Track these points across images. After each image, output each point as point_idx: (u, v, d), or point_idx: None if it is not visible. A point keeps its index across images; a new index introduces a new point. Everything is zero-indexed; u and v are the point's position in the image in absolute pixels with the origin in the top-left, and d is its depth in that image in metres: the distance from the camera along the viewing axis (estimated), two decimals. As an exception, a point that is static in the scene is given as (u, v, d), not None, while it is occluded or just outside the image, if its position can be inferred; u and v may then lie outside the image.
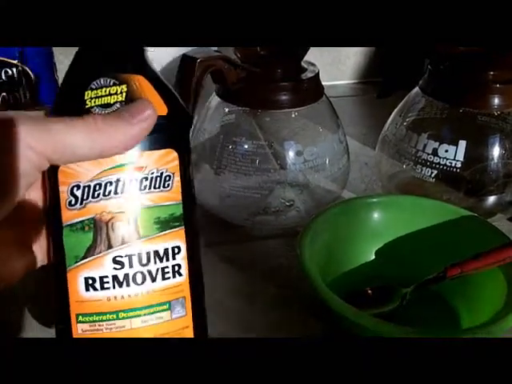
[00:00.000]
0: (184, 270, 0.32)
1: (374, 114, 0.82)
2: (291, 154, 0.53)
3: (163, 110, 0.31)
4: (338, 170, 0.55)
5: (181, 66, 0.45)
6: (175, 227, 0.32)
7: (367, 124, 0.80)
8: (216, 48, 0.50)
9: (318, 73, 0.52)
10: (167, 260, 0.32)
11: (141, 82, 0.30)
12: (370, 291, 0.43)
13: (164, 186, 0.31)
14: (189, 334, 0.33)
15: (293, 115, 0.52)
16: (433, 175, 0.51)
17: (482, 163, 0.51)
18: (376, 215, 0.46)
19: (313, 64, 0.54)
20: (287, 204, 0.55)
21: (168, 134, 0.31)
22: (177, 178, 0.32)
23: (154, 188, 0.31)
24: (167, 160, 0.31)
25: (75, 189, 0.30)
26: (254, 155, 0.52)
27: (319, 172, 0.54)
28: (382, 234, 0.46)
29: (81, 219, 0.31)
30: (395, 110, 0.58)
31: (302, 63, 0.53)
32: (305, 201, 0.56)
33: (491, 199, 0.53)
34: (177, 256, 0.32)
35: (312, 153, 0.53)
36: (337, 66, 0.93)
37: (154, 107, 0.30)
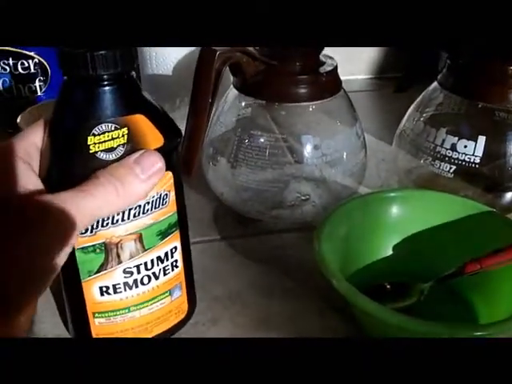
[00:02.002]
0: (180, 263, 0.39)
1: (390, 110, 0.82)
2: (308, 148, 0.52)
3: (160, 141, 0.33)
4: (356, 164, 0.54)
5: (200, 58, 0.45)
6: (172, 232, 0.37)
7: (383, 119, 0.79)
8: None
9: (337, 66, 0.52)
10: (167, 260, 0.38)
11: (139, 121, 0.32)
12: (388, 286, 0.43)
13: (163, 204, 0.35)
14: (184, 307, 0.40)
15: (310, 109, 0.52)
16: (451, 170, 0.51)
17: (501, 159, 0.51)
18: (394, 210, 0.46)
19: (331, 57, 0.53)
20: (303, 198, 0.55)
21: (165, 160, 0.33)
22: (172, 194, 0.36)
23: (155, 208, 0.35)
24: (164, 181, 0.35)
25: None
26: (270, 149, 0.52)
27: (336, 167, 0.54)
28: (400, 229, 0.46)
29: (92, 244, 0.34)
30: (413, 105, 0.58)
31: (321, 57, 0.53)
32: (321, 195, 0.55)
33: (509, 195, 0.52)
34: (174, 254, 0.38)
35: (329, 147, 0.52)
36: (352, 61, 0.93)
37: (162, 159, 0.32)
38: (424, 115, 0.55)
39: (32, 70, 0.65)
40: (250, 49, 0.48)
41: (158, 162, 0.32)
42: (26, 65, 0.64)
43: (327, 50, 0.53)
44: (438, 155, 0.52)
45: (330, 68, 0.51)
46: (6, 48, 0.63)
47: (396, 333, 0.38)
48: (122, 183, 0.31)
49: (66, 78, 0.32)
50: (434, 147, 0.52)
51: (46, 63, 0.65)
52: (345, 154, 0.53)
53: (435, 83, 0.56)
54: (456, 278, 0.42)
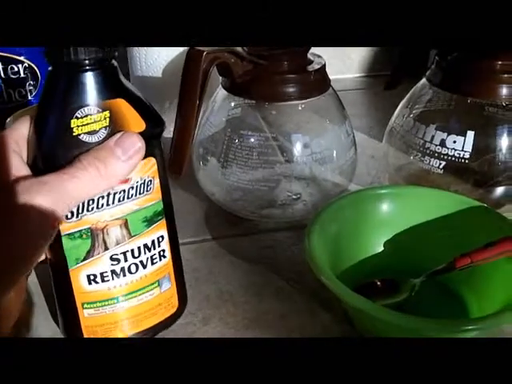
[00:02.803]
0: (167, 253, 0.39)
1: (380, 107, 0.82)
2: (298, 147, 0.52)
3: (142, 126, 0.34)
4: (345, 162, 0.54)
5: (187, 58, 0.45)
6: (158, 221, 0.37)
7: (373, 117, 0.79)
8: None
9: (325, 65, 0.52)
10: (154, 249, 0.38)
11: (121, 105, 0.34)
12: (378, 283, 0.43)
13: (147, 190, 0.36)
14: (174, 300, 0.40)
15: (299, 107, 0.52)
16: (441, 166, 0.51)
17: (490, 154, 0.51)
18: (384, 206, 0.46)
19: (319, 56, 0.53)
20: (294, 197, 0.55)
21: (147, 145, 0.34)
22: (157, 180, 0.36)
23: (140, 194, 0.36)
24: (148, 167, 0.36)
25: None
26: (260, 148, 0.52)
27: (326, 165, 0.54)
28: (391, 225, 0.46)
29: (78, 229, 0.34)
30: (402, 102, 0.58)
31: (309, 55, 0.53)
32: (311, 194, 0.56)
33: (499, 190, 0.52)
34: (161, 243, 0.38)
35: (319, 145, 0.53)
36: (342, 60, 0.93)
37: (141, 139, 0.33)
38: (413, 112, 0.55)
39: (22, 75, 0.64)
40: (238, 48, 0.49)
41: (138, 143, 0.33)
42: (16, 69, 0.64)
43: (316, 49, 0.53)
44: (428, 151, 0.52)
45: (318, 66, 0.51)
46: (-5, 53, 0.62)
47: (386, 329, 0.38)
48: (104, 164, 0.32)
49: (50, 67, 0.33)
50: (424, 143, 0.52)
51: (35, 67, 0.65)
52: (335, 152, 0.54)
53: (424, 80, 0.56)
54: (447, 272, 0.42)
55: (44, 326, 0.43)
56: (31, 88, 0.66)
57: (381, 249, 0.46)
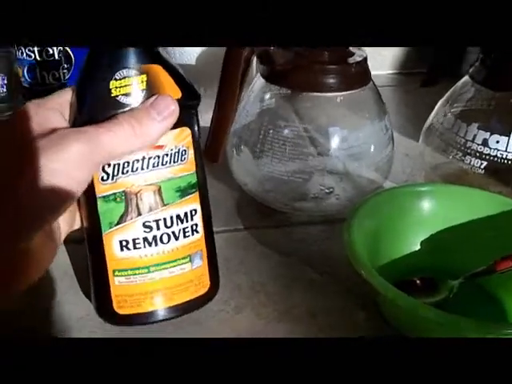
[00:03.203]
0: (200, 228, 0.39)
1: (412, 105, 0.81)
2: (335, 140, 0.51)
3: (177, 94, 0.35)
4: (382, 158, 0.53)
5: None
6: (192, 193, 0.38)
7: (405, 115, 0.78)
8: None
9: (366, 58, 0.51)
10: (187, 221, 0.38)
11: (158, 71, 0.35)
12: (418, 281, 0.42)
13: (181, 160, 0.37)
14: (205, 279, 0.40)
15: (338, 100, 0.51)
16: (482, 166, 0.50)
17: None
18: (424, 204, 0.45)
19: (360, 48, 0.53)
20: (326, 191, 0.54)
21: (182, 114, 0.35)
22: (191, 151, 0.37)
23: (174, 162, 0.36)
24: (183, 137, 0.36)
25: (106, 166, 0.35)
26: (295, 140, 0.51)
27: (362, 160, 0.53)
28: (430, 224, 0.45)
29: (113, 192, 0.35)
30: (442, 99, 0.56)
31: (350, 47, 0.52)
32: (345, 189, 0.55)
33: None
34: (194, 217, 0.38)
35: (356, 140, 0.52)
36: (376, 57, 0.92)
37: (176, 102, 0.34)
38: (453, 110, 0.54)
39: (56, 58, 0.64)
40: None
41: (172, 105, 0.34)
42: (51, 52, 0.64)
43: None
44: (469, 151, 0.51)
45: (359, 59, 0.50)
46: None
47: (424, 327, 0.37)
48: (139, 123, 0.33)
49: None
50: (465, 142, 0.51)
51: (70, 51, 0.65)
52: (372, 147, 0.53)
53: (466, 77, 0.55)
54: (486, 275, 0.41)
55: (76, 305, 0.43)
56: (65, 71, 0.66)
57: (418, 247, 0.45)
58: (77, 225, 0.38)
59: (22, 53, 0.64)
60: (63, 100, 0.34)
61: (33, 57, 0.64)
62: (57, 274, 0.46)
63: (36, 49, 0.64)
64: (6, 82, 0.74)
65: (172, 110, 0.34)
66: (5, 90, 0.74)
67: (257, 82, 0.53)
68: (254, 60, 0.50)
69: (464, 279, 0.41)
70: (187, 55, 0.70)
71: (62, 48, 0.64)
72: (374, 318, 0.42)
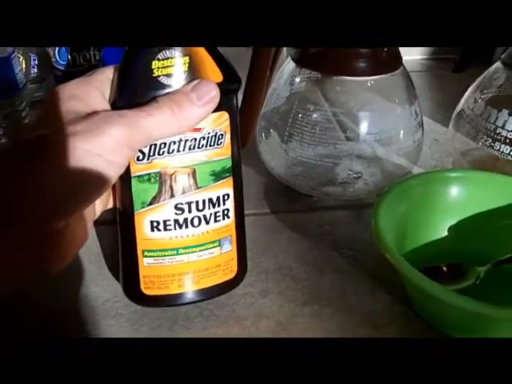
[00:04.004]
0: (231, 213, 0.39)
1: (443, 91, 0.81)
2: (364, 126, 0.51)
3: (219, 77, 0.35)
4: (412, 144, 0.53)
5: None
6: (226, 177, 0.38)
7: (436, 100, 0.77)
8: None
9: (398, 42, 0.51)
10: (219, 206, 0.38)
11: (201, 54, 0.34)
12: (444, 268, 0.42)
13: (218, 144, 0.37)
14: (234, 265, 0.40)
15: (368, 84, 0.50)
16: (512, 153, 0.50)
17: None
18: (454, 190, 0.45)
19: (392, 33, 0.52)
20: (355, 176, 0.54)
21: (222, 98, 0.35)
22: (228, 136, 0.37)
23: (210, 146, 0.36)
24: (221, 121, 0.36)
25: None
26: (324, 124, 0.51)
27: (391, 145, 0.53)
28: (459, 210, 0.45)
29: (148, 172, 0.36)
30: (473, 85, 0.56)
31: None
32: (373, 173, 0.54)
33: None
34: (226, 202, 0.38)
35: (386, 124, 0.51)
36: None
37: (217, 88, 0.34)
38: (484, 96, 0.54)
39: (87, 38, 0.65)
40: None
41: (213, 91, 0.34)
42: (82, 33, 0.64)
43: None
44: (499, 137, 0.50)
45: (391, 43, 0.50)
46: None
47: (449, 313, 0.37)
48: (179, 107, 0.33)
49: None
50: (495, 129, 0.50)
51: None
52: (401, 132, 0.52)
53: (498, 63, 0.54)
54: (514, 263, 0.41)
55: (103, 286, 0.44)
56: (95, 52, 0.66)
57: (446, 233, 0.45)
58: (110, 204, 0.39)
59: (54, 34, 0.65)
60: (104, 77, 0.34)
61: (64, 38, 0.64)
62: (85, 255, 0.47)
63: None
64: (37, 62, 0.75)
65: (213, 96, 0.34)
66: (36, 70, 0.76)
67: (287, 65, 0.53)
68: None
69: (491, 266, 0.41)
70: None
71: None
72: (400, 302, 0.42)
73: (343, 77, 0.50)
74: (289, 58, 0.52)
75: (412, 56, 0.94)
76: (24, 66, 0.66)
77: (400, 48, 0.51)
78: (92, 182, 0.31)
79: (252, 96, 0.46)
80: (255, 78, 0.46)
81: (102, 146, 0.30)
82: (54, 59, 0.66)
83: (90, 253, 0.47)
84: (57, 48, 0.65)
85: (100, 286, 0.44)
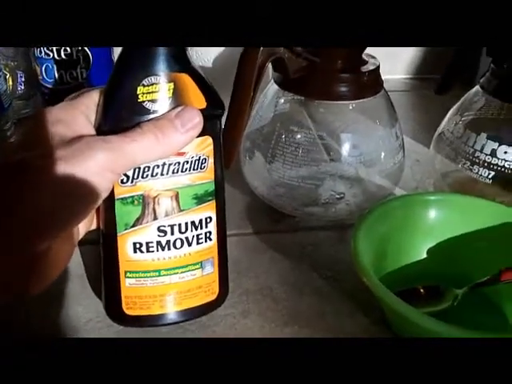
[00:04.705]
0: (214, 236, 0.40)
1: (426, 111, 0.82)
2: (346, 147, 0.52)
3: (203, 103, 0.36)
4: (393, 165, 0.54)
5: (244, 51, 0.45)
6: (208, 201, 0.38)
7: (419, 120, 0.79)
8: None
9: (379, 66, 0.52)
10: (201, 228, 0.39)
11: (185, 80, 0.35)
12: (422, 290, 0.43)
13: (201, 168, 0.37)
14: (215, 286, 0.41)
15: (350, 107, 0.51)
16: (490, 176, 0.50)
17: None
18: (433, 213, 0.45)
19: (373, 57, 0.53)
20: (337, 197, 0.55)
21: (205, 123, 0.36)
22: (211, 160, 0.38)
23: (193, 170, 0.37)
24: (204, 146, 0.37)
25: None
26: (307, 146, 0.52)
27: (373, 167, 0.53)
28: (437, 233, 0.45)
29: (131, 194, 0.36)
30: (453, 108, 0.57)
31: (363, 55, 0.52)
32: (355, 194, 0.55)
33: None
34: (209, 224, 0.39)
35: (367, 146, 0.52)
36: (391, 60, 0.92)
37: (200, 114, 0.35)
38: (464, 119, 0.55)
39: (74, 57, 0.65)
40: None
41: (197, 117, 0.35)
42: (69, 51, 0.65)
43: (368, 49, 0.53)
44: (477, 160, 0.51)
45: (372, 67, 0.51)
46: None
47: (425, 335, 0.38)
48: (163, 133, 0.34)
49: None
50: (474, 152, 0.51)
51: (88, 51, 0.66)
52: (382, 154, 0.53)
53: (477, 87, 0.55)
54: (491, 285, 0.41)
55: (85, 306, 0.44)
56: (82, 70, 0.67)
57: (425, 255, 0.46)
58: (93, 225, 0.39)
59: (41, 51, 0.65)
60: (90, 101, 0.35)
61: (51, 56, 0.65)
62: (68, 274, 0.47)
63: (55, 48, 0.65)
64: (23, 79, 0.75)
65: (196, 123, 0.35)
66: (23, 87, 0.76)
67: (270, 87, 0.54)
68: (269, 66, 0.50)
69: (469, 288, 0.42)
70: (204, 57, 0.71)
71: (80, 47, 0.65)
72: (378, 323, 0.43)
73: (325, 101, 0.50)
74: (272, 81, 0.53)
75: (395, 75, 0.95)
76: (11, 83, 0.67)
77: (384, 66, 0.52)
78: (76, 206, 0.32)
79: (235, 118, 0.47)
80: (238, 100, 0.46)
81: (86, 171, 0.31)
82: (40, 77, 0.67)
83: (73, 272, 0.47)
84: (44, 65, 0.66)
85: (83, 306, 0.44)
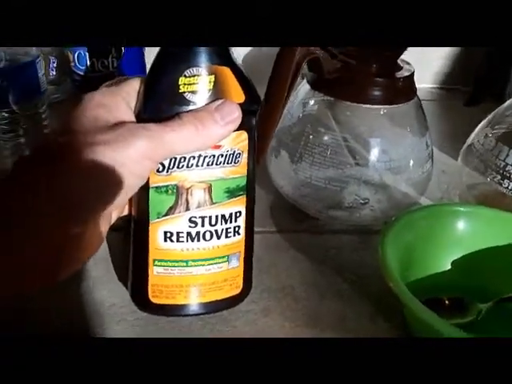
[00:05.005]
0: (242, 230, 0.40)
1: (453, 122, 0.81)
2: (375, 152, 0.52)
3: (241, 98, 0.36)
4: (421, 174, 0.53)
5: (280, 51, 0.45)
6: (240, 195, 0.39)
7: (446, 131, 0.78)
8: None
9: (413, 73, 0.51)
10: (230, 222, 0.39)
11: (226, 74, 0.35)
12: (446, 301, 0.42)
13: (235, 162, 0.37)
14: (239, 281, 0.41)
15: (381, 112, 0.51)
16: (519, 191, 0.50)
17: None
18: (460, 224, 0.45)
19: (408, 63, 0.53)
20: (361, 201, 0.54)
21: (243, 118, 0.36)
22: (245, 155, 0.38)
23: (228, 163, 0.37)
24: (240, 140, 0.37)
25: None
26: (335, 148, 0.52)
27: (400, 174, 0.53)
28: (464, 245, 0.45)
29: (166, 184, 0.36)
30: (485, 120, 0.56)
31: (399, 61, 0.52)
32: (380, 201, 0.55)
33: None
34: (238, 219, 0.39)
35: (397, 153, 0.52)
36: (421, 69, 0.92)
37: (239, 109, 0.35)
38: (495, 131, 0.54)
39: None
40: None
41: (236, 112, 0.35)
42: (102, 40, 0.65)
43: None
44: (508, 174, 0.51)
45: (407, 73, 0.51)
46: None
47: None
48: (203, 125, 0.34)
49: None
50: (505, 166, 0.51)
51: (120, 40, 0.66)
52: (411, 162, 0.53)
53: (510, 100, 0.55)
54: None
55: (109, 291, 0.44)
56: (114, 59, 0.67)
57: (450, 266, 0.46)
58: (125, 211, 0.39)
59: (74, 39, 0.65)
60: (131, 89, 0.35)
61: (84, 43, 0.65)
62: (93, 259, 0.47)
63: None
64: (55, 65, 0.76)
65: (235, 117, 0.35)
66: (54, 72, 0.77)
67: (302, 87, 0.54)
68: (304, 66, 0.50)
69: (494, 303, 0.42)
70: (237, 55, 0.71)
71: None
72: (399, 328, 0.43)
73: (358, 104, 0.50)
74: (304, 80, 0.53)
75: (423, 84, 0.95)
76: (43, 68, 0.67)
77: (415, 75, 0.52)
78: (114, 191, 0.32)
79: (269, 115, 0.46)
80: (273, 98, 0.46)
81: (127, 157, 0.31)
82: (72, 63, 0.67)
83: (98, 255, 0.47)
84: (76, 52, 0.66)
85: (107, 290, 0.45)
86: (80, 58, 0.66)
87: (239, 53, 0.71)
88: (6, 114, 0.50)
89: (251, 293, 0.43)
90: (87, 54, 0.66)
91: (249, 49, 0.72)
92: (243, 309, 0.43)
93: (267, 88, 0.47)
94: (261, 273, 0.47)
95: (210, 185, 0.37)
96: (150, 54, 0.37)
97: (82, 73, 0.67)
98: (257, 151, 0.44)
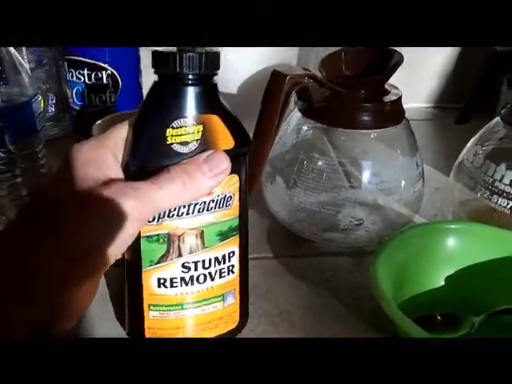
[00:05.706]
0: (236, 269, 0.40)
1: (446, 140, 0.82)
2: (367, 174, 0.53)
3: (231, 144, 0.36)
4: (412, 194, 0.55)
5: (271, 80, 0.46)
6: (232, 236, 0.39)
7: (438, 149, 0.79)
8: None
9: (401, 96, 0.53)
10: (224, 263, 0.39)
11: (214, 121, 0.35)
12: (438, 316, 0.43)
13: (226, 206, 0.37)
14: (236, 316, 0.41)
15: (372, 136, 0.53)
16: (508, 206, 0.51)
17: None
18: (452, 241, 0.46)
19: (396, 87, 0.54)
20: (356, 223, 0.56)
21: (233, 162, 0.36)
22: (236, 197, 0.38)
23: (219, 208, 0.37)
24: (231, 184, 0.37)
25: None
26: (328, 172, 0.53)
27: (392, 195, 0.54)
28: (456, 261, 0.46)
29: (157, 233, 0.36)
30: (473, 138, 0.58)
31: (386, 85, 0.54)
32: (374, 221, 0.56)
33: None
34: (231, 258, 0.39)
35: (388, 175, 0.53)
36: (411, 89, 0.93)
37: (228, 159, 0.35)
38: (484, 149, 0.55)
39: (104, 81, 0.67)
40: (318, 75, 0.50)
41: (225, 163, 0.35)
42: (100, 76, 0.67)
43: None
44: (497, 190, 0.52)
45: (394, 97, 0.52)
46: (83, 59, 0.66)
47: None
48: (190, 178, 0.34)
49: (156, 78, 0.35)
50: (493, 182, 0.52)
51: (117, 75, 0.68)
52: (403, 182, 0.54)
53: (497, 118, 0.56)
54: (508, 314, 0.42)
55: (109, 328, 0.45)
56: (111, 94, 0.69)
57: (443, 283, 0.47)
58: (118, 256, 0.39)
59: (73, 75, 0.67)
60: (119, 137, 0.35)
61: (82, 79, 0.67)
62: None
63: (86, 72, 0.67)
64: (54, 101, 0.78)
65: (224, 168, 0.35)
66: (53, 109, 0.79)
67: (294, 115, 0.56)
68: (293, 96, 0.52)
69: (486, 316, 0.42)
70: (231, 83, 0.73)
71: (110, 72, 0.67)
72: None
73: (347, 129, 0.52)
74: (296, 109, 0.54)
75: (416, 104, 0.96)
76: (42, 105, 0.69)
77: (406, 95, 0.53)
78: (104, 250, 0.32)
79: (260, 145, 0.48)
80: (264, 128, 0.48)
81: (116, 217, 0.31)
82: (71, 99, 0.69)
83: (99, 293, 0.48)
84: (74, 88, 0.68)
85: (107, 328, 0.45)
86: (78, 94, 0.68)
87: (235, 83, 0.73)
88: (3, 155, 0.51)
89: (249, 319, 0.44)
90: (85, 89, 0.68)
91: (243, 78, 0.73)
92: (239, 335, 0.43)
93: (258, 119, 0.48)
94: (257, 299, 0.48)
95: (202, 231, 0.37)
96: (147, 83, 0.37)
97: (79, 108, 0.69)
98: (249, 182, 0.45)
